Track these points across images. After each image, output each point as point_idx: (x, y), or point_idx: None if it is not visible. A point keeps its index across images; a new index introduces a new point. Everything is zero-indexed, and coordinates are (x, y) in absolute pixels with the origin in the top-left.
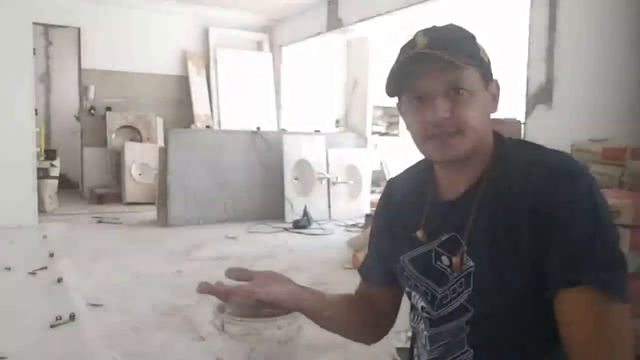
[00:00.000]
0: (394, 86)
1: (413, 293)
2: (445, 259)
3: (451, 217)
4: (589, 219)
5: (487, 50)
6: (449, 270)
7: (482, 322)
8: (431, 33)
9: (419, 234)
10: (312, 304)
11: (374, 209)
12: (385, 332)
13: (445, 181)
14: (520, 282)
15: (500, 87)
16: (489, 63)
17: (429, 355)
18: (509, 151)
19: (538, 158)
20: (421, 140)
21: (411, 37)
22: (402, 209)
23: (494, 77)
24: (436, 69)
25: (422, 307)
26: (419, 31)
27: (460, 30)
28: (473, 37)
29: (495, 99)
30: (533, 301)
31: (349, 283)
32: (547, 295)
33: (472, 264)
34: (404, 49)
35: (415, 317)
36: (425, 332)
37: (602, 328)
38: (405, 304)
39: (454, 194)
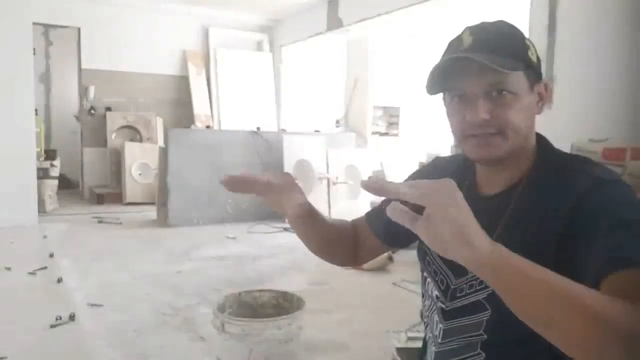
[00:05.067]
0: (435, 85)
1: (428, 280)
2: None
3: (485, 213)
4: (636, 209)
5: (535, 50)
6: None
7: (498, 324)
8: (478, 31)
9: None
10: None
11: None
12: (355, 263)
13: (485, 178)
14: None
15: (550, 88)
16: (537, 63)
17: (438, 347)
18: (552, 154)
19: (580, 163)
20: (460, 139)
21: (458, 34)
22: None
23: (543, 77)
24: (478, 70)
25: (437, 296)
26: (467, 28)
27: (509, 28)
28: (522, 37)
29: (542, 100)
30: None
31: (349, 283)
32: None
33: None
34: (449, 46)
35: (431, 306)
36: (440, 325)
37: None
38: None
39: (492, 191)
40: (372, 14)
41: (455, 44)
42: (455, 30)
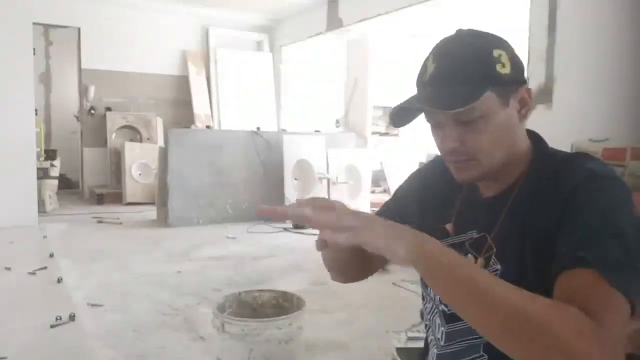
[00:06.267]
0: (401, 118)
1: None
2: (470, 258)
3: (483, 215)
4: (611, 213)
5: (508, 56)
6: None
7: None
8: (440, 58)
9: (449, 227)
10: None
11: (375, 209)
12: (367, 274)
13: (480, 183)
14: (542, 285)
15: (530, 90)
16: (511, 73)
17: (440, 349)
18: (547, 152)
19: (579, 158)
20: (445, 160)
21: (426, 57)
22: (438, 193)
23: (523, 82)
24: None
25: (440, 299)
26: (431, 53)
27: (473, 48)
28: (488, 51)
29: (524, 106)
30: None
31: (349, 283)
32: (551, 282)
33: (498, 267)
34: (418, 76)
35: (432, 309)
36: (442, 328)
37: (596, 309)
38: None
39: (490, 193)
40: (372, 14)
41: (421, 74)
42: (455, 30)
